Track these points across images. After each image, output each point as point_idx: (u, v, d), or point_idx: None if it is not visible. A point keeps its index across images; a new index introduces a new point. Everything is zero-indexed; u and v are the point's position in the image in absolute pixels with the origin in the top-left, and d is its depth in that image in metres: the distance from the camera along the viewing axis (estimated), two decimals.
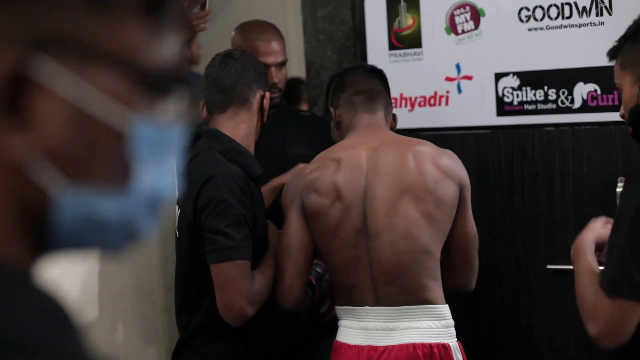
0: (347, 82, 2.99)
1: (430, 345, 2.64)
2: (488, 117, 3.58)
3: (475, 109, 3.58)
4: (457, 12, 3.62)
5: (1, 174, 0.73)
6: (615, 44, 2.41)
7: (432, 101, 3.65)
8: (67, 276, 2.68)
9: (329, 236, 2.74)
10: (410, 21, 3.69)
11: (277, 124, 3.46)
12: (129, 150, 0.77)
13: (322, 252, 2.80)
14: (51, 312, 0.74)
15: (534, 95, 3.50)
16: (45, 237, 0.77)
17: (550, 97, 3.48)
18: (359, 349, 2.69)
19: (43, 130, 0.72)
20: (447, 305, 2.73)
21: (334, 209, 2.72)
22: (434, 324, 2.67)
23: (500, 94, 3.56)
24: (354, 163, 2.75)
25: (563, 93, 3.45)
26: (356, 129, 2.90)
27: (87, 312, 2.75)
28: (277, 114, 3.48)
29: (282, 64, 3.47)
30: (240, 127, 2.86)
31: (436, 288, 2.70)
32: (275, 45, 3.48)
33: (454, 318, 2.75)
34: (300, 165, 3.02)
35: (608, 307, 2.11)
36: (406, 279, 2.66)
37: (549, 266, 3.47)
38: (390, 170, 2.72)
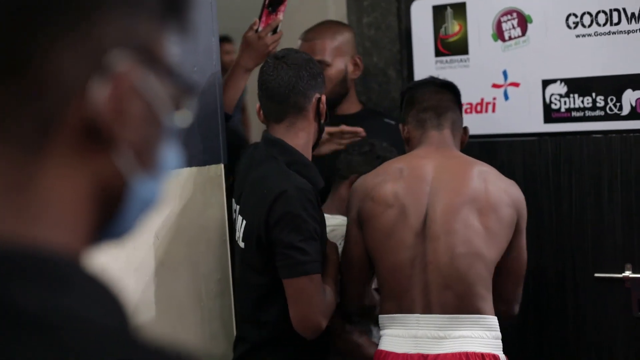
0: (416, 98, 3.01)
1: (483, 355, 2.63)
2: (535, 124, 3.56)
3: (523, 116, 3.57)
4: (504, 18, 3.60)
5: (93, 159, 0.79)
6: None
7: (478, 108, 3.64)
8: (120, 279, 2.71)
9: (383, 237, 2.76)
10: (456, 28, 3.68)
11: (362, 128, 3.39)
12: (165, 140, 0.85)
13: (375, 258, 2.79)
14: (107, 299, 0.79)
15: (582, 102, 3.48)
16: (111, 224, 0.84)
17: (598, 104, 3.45)
18: (407, 357, 2.68)
19: (130, 122, 0.79)
20: (496, 317, 2.72)
21: (390, 212, 2.75)
22: (485, 334, 2.66)
23: (547, 100, 3.54)
24: (418, 172, 2.80)
25: (611, 100, 3.42)
26: (423, 144, 2.93)
27: (134, 318, 2.77)
28: (363, 118, 3.48)
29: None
30: (299, 135, 2.83)
31: (488, 298, 2.70)
32: (311, 44, 3.47)
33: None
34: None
35: None
36: (461, 284, 2.65)
37: (596, 274, 3.44)
38: (457, 182, 2.77)
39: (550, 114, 3.53)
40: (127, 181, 0.82)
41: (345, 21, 4.03)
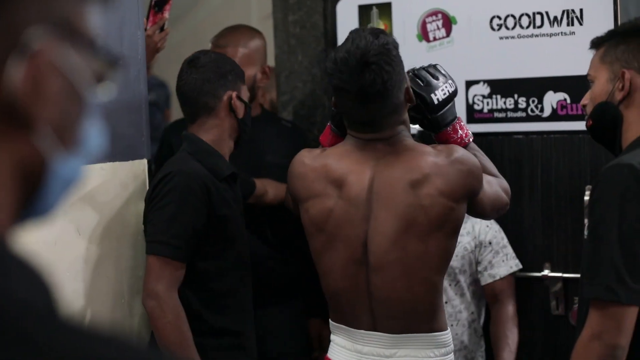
0: None
1: None
2: None
3: None
4: (429, 19, 3.63)
5: (12, 139, 0.79)
6: (602, 35, 2.43)
7: None
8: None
9: (316, 258, 2.64)
10: (381, 27, 3.69)
11: (257, 130, 3.44)
12: (88, 116, 0.85)
13: (316, 267, 2.68)
14: (36, 280, 0.79)
15: (504, 103, 3.53)
16: (33, 203, 0.83)
17: (520, 106, 3.50)
18: None
19: (49, 101, 0.79)
20: (448, 331, 2.61)
21: (320, 237, 2.60)
22: (432, 353, 2.56)
23: (470, 101, 3.58)
24: (354, 193, 2.55)
25: (533, 101, 3.47)
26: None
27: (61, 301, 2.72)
28: (258, 121, 3.48)
29: None
30: (210, 132, 2.91)
31: (437, 316, 2.58)
32: (218, 51, 3.42)
33: None
34: None
35: (605, 314, 2.15)
36: (408, 313, 2.54)
37: (517, 274, 3.48)
38: (393, 204, 2.50)
39: (473, 115, 3.57)
40: (48, 160, 0.81)
41: (270, 19, 4.02)
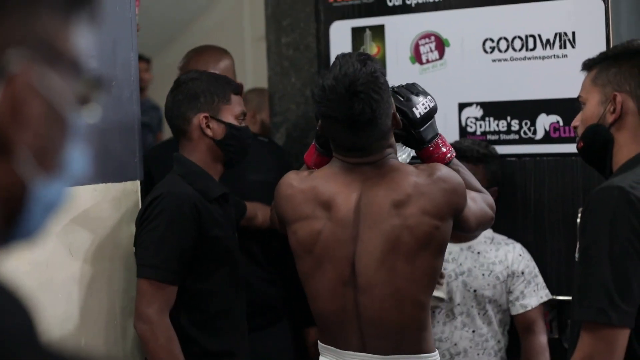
0: None
1: None
2: None
3: None
4: (422, 41, 3.64)
5: None
6: (594, 57, 2.44)
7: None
8: (33, 298, 2.64)
9: (305, 279, 2.64)
10: (375, 49, 3.71)
11: None
12: (70, 140, 0.84)
13: (304, 287, 2.67)
14: (16, 306, 0.80)
15: (497, 125, 3.53)
16: (14, 227, 0.83)
17: (513, 128, 3.51)
18: None
19: (28, 124, 0.77)
20: (436, 353, 2.61)
21: (308, 259, 2.60)
22: None
23: (463, 123, 3.58)
24: (342, 215, 2.55)
25: (526, 124, 3.48)
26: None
27: (47, 336, 2.70)
28: None
29: None
30: (192, 154, 2.90)
31: (427, 337, 2.57)
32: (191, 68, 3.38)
33: None
34: None
35: (597, 336, 2.14)
36: (396, 333, 2.53)
37: None
38: (380, 226, 2.50)
39: (466, 137, 3.57)
40: (28, 184, 0.80)
41: (263, 41, 4.03)
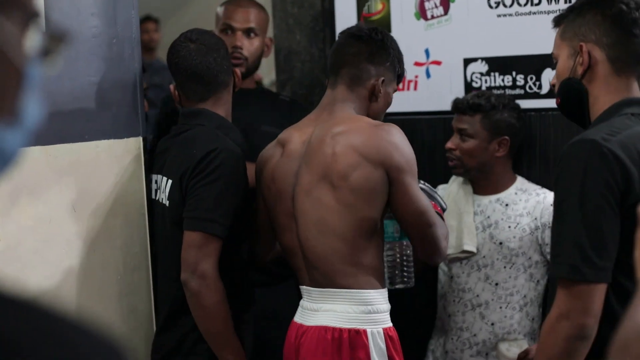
0: (329, 57, 2.88)
1: (341, 330, 2.59)
2: None
3: (444, 94, 3.59)
4: None
5: None
6: (563, 12, 2.40)
7: (400, 86, 3.65)
8: (36, 253, 2.67)
9: (271, 219, 2.76)
10: (379, 6, 3.69)
11: (256, 106, 3.45)
12: (24, 87, 0.82)
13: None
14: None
15: (502, 80, 3.52)
16: None
17: (518, 83, 3.50)
18: (296, 326, 2.70)
19: None
20: (373, 291, 2.63)
21: (269, 195, 2.73)
22: (352, 309, 2.60)
23: (468, 79, 3.57)
24: (291, 148, 2.70)
25: (531, 79, 3.46)
26: (317, 107, 2.81)
27: (51, 291, 2.73)
28: (257, 96, 3.53)
29: (249, 31, 3.47)
30: (223, 108, 2.94)
31: (357, 273, 2.61)
32: (244, 12, 3.48)
33: None
34: None
35: (571, 293, 2.11)
36: (323, 263, 2.61)
37: None
38: (314, 156, 2.63)
39: (470, 92, 3.56)
40: None
41: None
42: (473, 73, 3.56)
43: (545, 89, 3.43)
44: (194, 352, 2.79)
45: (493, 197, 3.38)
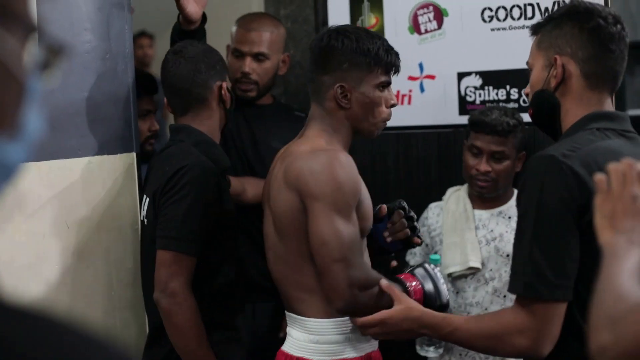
0: None
1: (292, 358, 2.56)
2: (451, 116, 3.59)
3: (438, 108, 3.59)
4: (421, 11, 3.62)
5: None
6: (541, 21, 2.36)
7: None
8: (29, 268, 2.66)
9: None
10: (373, 20, 3.69)
11: (270, 121, 3.44)
12: (24, 100, 0.82)
13: None
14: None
15: (496, 94, 3.52)
16: None
17: (512, 97, 3.50)
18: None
19: None
20: (324, 320, 2.52)
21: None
22: (302, 337, 2.55)
23: (462, 93, 3.57)
24: (270, 170, 2.67)
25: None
26: None
27: (44, 306, 2.71)
28: (273, 112, 3.52)
29: (257, 55, 3.46)
30: (204, 123, 2.90)
31: (309, 300, 2.53)
32: (254, 35, 3.47)
33: None
34: None
35: (528, 310, 2.08)
36: (280, 287, 2.61)
37: None
38: (268, 178, 2.64)
39: (465, 106, 3.56)
40: None
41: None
42: (467, 87, 3.56)
43: None
44: None
45: (495, 211, 3.37)
